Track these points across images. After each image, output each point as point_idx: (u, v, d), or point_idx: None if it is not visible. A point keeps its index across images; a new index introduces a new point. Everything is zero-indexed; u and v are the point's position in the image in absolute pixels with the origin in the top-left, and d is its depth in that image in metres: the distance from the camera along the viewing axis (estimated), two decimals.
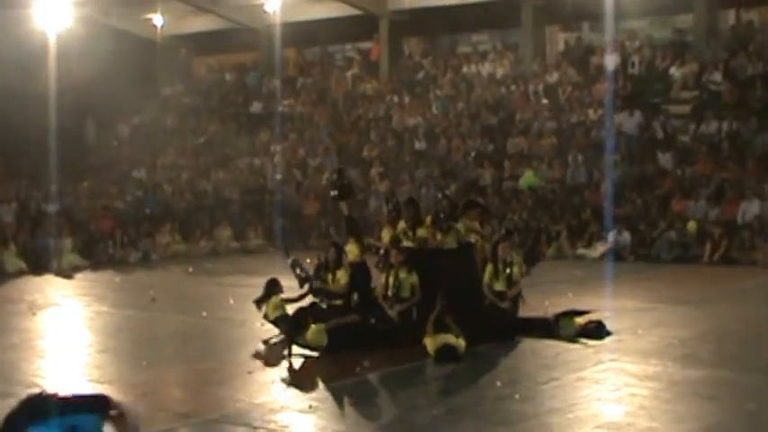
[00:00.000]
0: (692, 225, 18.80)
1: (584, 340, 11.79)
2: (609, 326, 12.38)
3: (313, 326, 11.04)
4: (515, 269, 11.94)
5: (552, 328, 12.09)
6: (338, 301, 11.59)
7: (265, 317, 11.85)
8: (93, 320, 14.11)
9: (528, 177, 21.77)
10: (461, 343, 10.80)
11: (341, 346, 11.05)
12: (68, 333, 12.97)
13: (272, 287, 11.87)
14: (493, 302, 12.03)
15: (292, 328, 11.23)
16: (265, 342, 11.65)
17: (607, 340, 11.90)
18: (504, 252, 11.94)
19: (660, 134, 21.55)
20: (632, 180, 20.58)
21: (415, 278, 11.61)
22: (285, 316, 11.65)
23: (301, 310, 11.58)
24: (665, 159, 20.55)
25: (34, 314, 14.53)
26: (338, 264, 11.72)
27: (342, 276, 11.63)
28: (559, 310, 12.42)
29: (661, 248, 18.85)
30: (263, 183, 25.68)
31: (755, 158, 19.81)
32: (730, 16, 25.18)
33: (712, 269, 17.83)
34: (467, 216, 12.41)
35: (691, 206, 19.43)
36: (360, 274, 11.74)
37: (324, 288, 11.79)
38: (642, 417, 8.94)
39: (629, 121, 21.67)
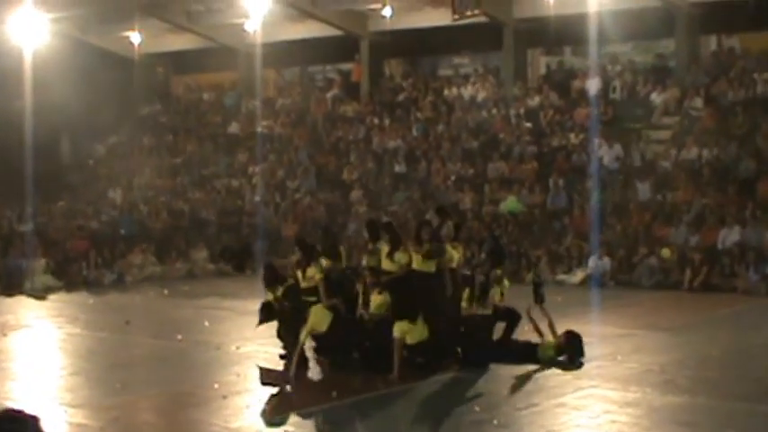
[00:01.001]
0: (665, 252, 18.93)
1: (562, 366, 11.86)
2: (588, 352, 12.47)
3: (313, 307, 11.27)
4: (497, 291, 11.90)
5: (535, 351, 12.20)
6: (312, 298, 11.62)
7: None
8: (66, 342, 14.05)
9: (510, 203, 21.89)
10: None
11: (333, 341, 11.42)
12: (40, 355, 12.92)
13: (268, 311, 11.86)
14: (475, 324, 12.08)
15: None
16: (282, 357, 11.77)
17: (586, 366, 11.98)
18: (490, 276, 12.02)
19: (638, 162, 21.74)
20: (612, 206, 20.74)
21: (386, 298, 11.69)
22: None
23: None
24: (643, 191, 20.68)
25: (5, 335, 14.46)
26: (308, 261, 11.76)
27: (314, 273, 11.66)
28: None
29: (641, 274, 18.99)
30: (240, 204, 25.67)
31: (736, 185, 20.01)
32: (712, 42, 25.48)
33: (692, 296, 17.97)
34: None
35: (671, 232, 19.59)
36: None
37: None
38: None
39: (609, 154, 21.79)
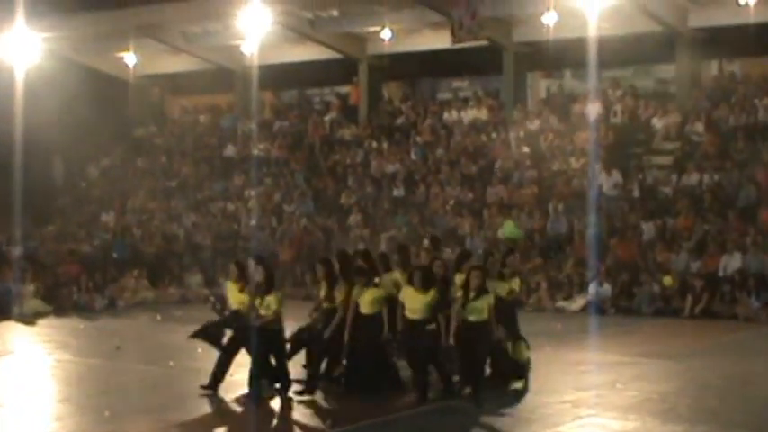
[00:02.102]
0: (667, 279, 18.99)
1: (561, 394, 11.85)
2: (588, 380, 12.49)
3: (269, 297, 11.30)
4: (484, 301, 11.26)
5: (523, 370, 12.15)
6: (277, 326, 11.51)
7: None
8: (55, 369, 14.05)
9: (508, 227, 21.93)
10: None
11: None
12: (28, 382, 12.90)
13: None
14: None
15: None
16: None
17: (586, 394, 12.00)
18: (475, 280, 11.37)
19: (637, 193, 21.78)
20: (613, 232, 20.78)
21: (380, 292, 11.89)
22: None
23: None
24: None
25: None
26: (269, 288, 11.47)
27: (272, 302, 11.40)
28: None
29: (642, 301, 19.01)
30: (236, 228, 25.70)
31: (737, 211, 20.09)
32: (713, 67, 25.66)
33: (693, 323, 18.00)
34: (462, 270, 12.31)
35: (672, 258, 19.63)
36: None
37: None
38: None
39: (608, 181, 21.82)
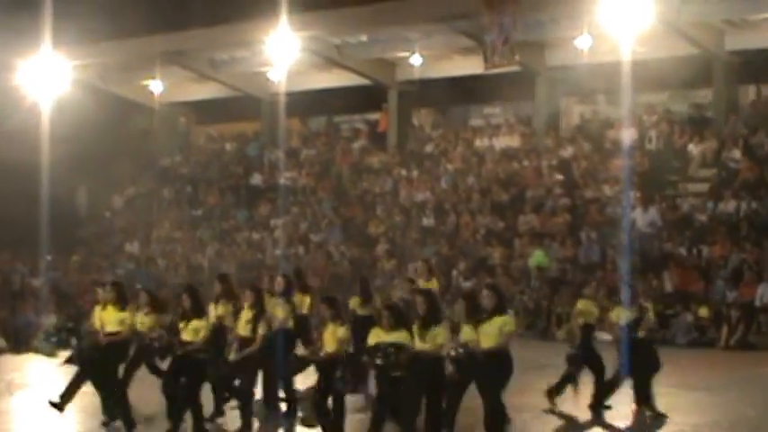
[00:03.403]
0: (703, 310, 19.01)
1: (595, 427, 11.95)
2: (620, 410, 12.59)
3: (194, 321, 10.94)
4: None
5: None
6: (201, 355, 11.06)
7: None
8: (74, 401, 14.29)
9: (537, 257, 22.08)
10: None
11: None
12: (46, 415, 13.13)
13: None
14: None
15: None
16: None
17: (619, 425, 12.11)
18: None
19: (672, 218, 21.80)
20: (647, 262, 20.81)
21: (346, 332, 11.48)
22: None
23: None
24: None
25: (11, 394, 14.69)
26: (198, 312, 11.07)
27: (200, 328, 10.93)
28: None
29: (676, 331, 19.03)
30: (261, 258, 26.01)
31: None
32: (750, 92, 25.69)
33: (729, 354, 18.01)
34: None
35: (708, 288, 19.66)
36: None
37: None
38: None
39: (643, 218, 21.81)
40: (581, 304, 13.07)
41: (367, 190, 27.47)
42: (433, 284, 13.44)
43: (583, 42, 23.54)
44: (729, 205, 21.44)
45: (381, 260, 23.97)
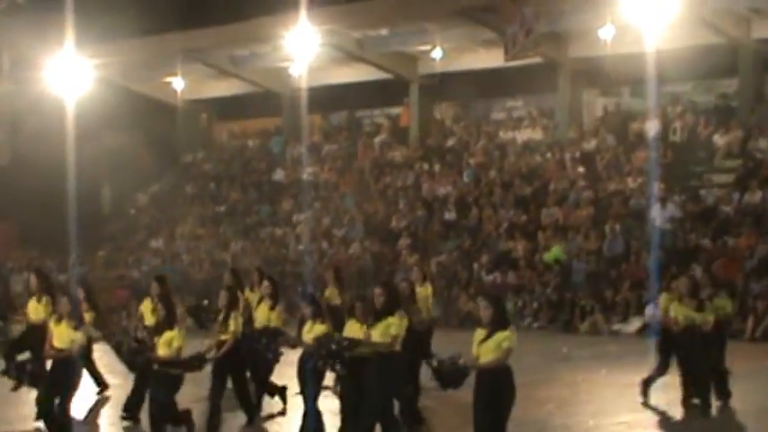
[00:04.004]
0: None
1: (617, 415, 12.05)
2: (644, 400, 12.67)
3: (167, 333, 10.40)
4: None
5: None
6: (175, 371, 10.55)
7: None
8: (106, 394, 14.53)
9: (554, 252, 22.14)
10: None
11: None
12: (75, 406, 13.35)
13: None
14: None
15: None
16: None
17: (642, 416, 12.21)
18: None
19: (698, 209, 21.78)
20: (671, 254, 20.80)
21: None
22: None
23: None
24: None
25: None
26: (169, 323, 10.49)
27: (173, 339, 10.35)
28: None
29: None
30: (284, 253, 26.20)
31: None
32: None
33: (754, 345, 18.02)
34: None
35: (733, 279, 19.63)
36: None
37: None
38: None
39: (663, 215, 21.67)
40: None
41: (389, 184, 27.58)
42: (427, 290, 13.27)
43: (606, 33, 23.50)
44: (756, 196, 21.39)
45: (404, 254, 24.09)
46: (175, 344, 10.21)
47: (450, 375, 9.00)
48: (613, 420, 12.01)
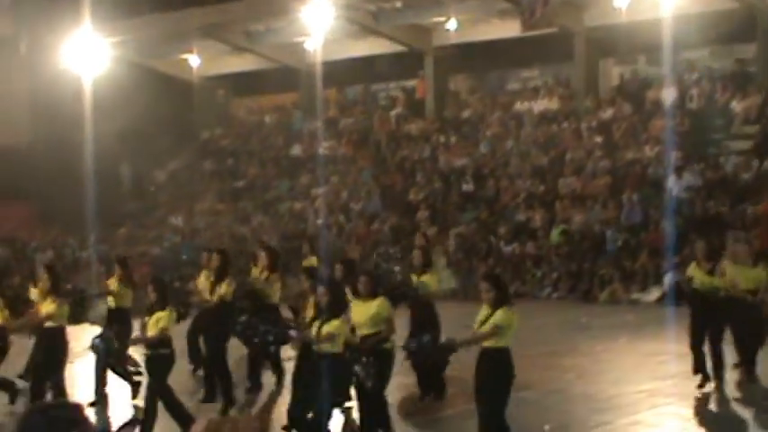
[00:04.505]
0: None
1: (637, 384, 12.00)
2: (664, 370, 12.61)
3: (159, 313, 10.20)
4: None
5: None
6: (164, 350, 10.30)
7: None
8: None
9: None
10: None
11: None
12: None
13: None
14: None
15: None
16: None
17: (662, 384, 12.18)
18: None
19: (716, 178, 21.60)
20: (690, 222, 20.67)
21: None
22: None
23: None
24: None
25: (71, 363, 15.02)
26: (162, 305, 10.26)
27: (161, 319, 10.14)
28: None
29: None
30: (303, 228, 26.21)
31: None
32: None
33: None
34: None
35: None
36: None
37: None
38: None
39: (679, 185, 21.49)
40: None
41: (406, 157, 27.51)
42: (430, 278, 11.95)
43: (621, 1, 23.30)
44: None
45: (422, 226, 24.04)
46: (161, 324, 10.05)
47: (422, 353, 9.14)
48: (634, 389, 12.00)
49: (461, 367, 9.24)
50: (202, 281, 13.03)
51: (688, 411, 11.08)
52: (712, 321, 11.93)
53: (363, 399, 9.68)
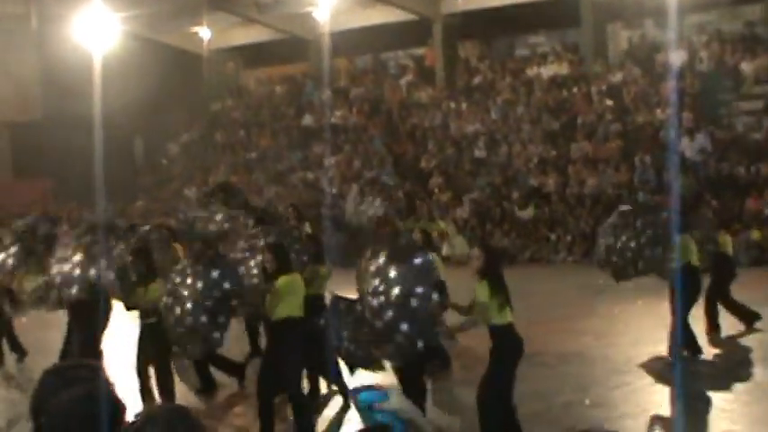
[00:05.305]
0: (756, 234, 18.71)
1: (659, 346, 11.93)
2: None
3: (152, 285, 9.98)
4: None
5: None
6: (152, 319, 10.04)
7: None
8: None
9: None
10: None
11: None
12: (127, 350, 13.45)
13: None
14: None
15: None
16: None
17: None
18: None
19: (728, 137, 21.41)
20: (704, 182, 20.55)
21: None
22: None
23: None
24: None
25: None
26: (151, 275, 10.11)
27: (155, 289, 9.87)
28: None
29: (737, 251, 18.77)
30: (318, 197, 26.13)
31: None
32: None
33: None
34: None
35: (765, 206, 19.39)
36: None
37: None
38: (721, 419, 9.17)
39: (692, 147, 21.35)
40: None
41: (417, 125, 27.39)
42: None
43: None
44: None
45: (436, 193, 23.97)
46: (151, 295, 9.89)
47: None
48: (653, 350, 11.90)
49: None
50: None
51: (707, 370, 11.03)
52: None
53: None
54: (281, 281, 8.72)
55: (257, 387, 8.85)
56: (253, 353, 12.27)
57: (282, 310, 8.69)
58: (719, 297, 12.62)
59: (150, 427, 2.97)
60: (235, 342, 11.65)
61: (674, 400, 9.66)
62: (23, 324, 13.68)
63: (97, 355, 10.69)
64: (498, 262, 8.43)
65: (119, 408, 3.33)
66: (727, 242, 12.87)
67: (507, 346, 7.95)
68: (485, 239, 9.51)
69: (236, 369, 11.33)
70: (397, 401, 7.35)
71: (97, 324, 11.08)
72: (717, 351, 11.76)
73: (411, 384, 8.91)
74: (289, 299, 8.71)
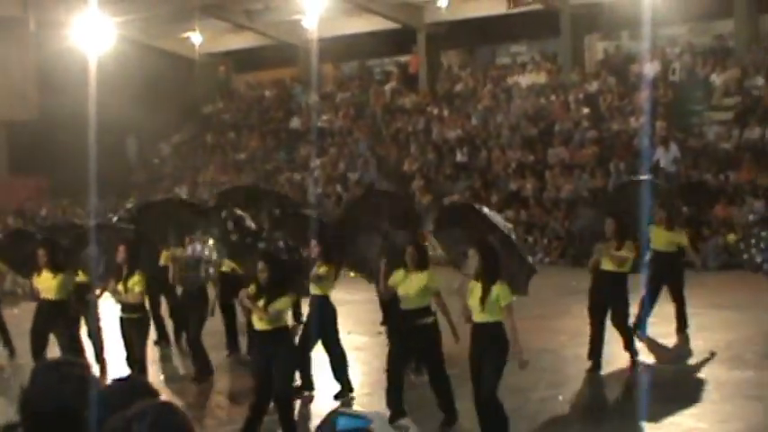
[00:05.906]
0: (731, 237, 18.76)
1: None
2: (654, 330, 12.55)
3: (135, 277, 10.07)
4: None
5: None
6: (135, 315, 10.31)
7: None
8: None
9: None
10: None
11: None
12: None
13: None
14: None
15: None
16: None
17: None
18: None
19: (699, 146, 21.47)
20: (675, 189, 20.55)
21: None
22: None
23: None
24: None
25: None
26: (132, 270, 10.13)
27: (135, 284, 10.09)
28: None
29: (707, 256, 18.86)
30: (303, 197, 26.09)
31: None
32: None
33: (759, 275, 17.82)
34: None
35: (734, 212, 19.45)
36: None
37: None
38: (689, 417, 9.18)
39: (666, 157, 21.23)
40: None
41: (400, 129, 27.39)
42: (421, 279, 11.33)
43: None
44: (755, 132, 21.08)
45: (417, 195, 23.94)
46: (137, 288, 10.06)
47: None
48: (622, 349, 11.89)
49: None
50: None
51: (674, 368, 11.05)
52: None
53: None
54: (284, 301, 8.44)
55: (257, 388, 8.70)
56: (231, 353, 12.28)
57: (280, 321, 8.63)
58: (680, 294, 12.61)
59: (138, 423, 2.83)
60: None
61: (641, 398, 9.67)
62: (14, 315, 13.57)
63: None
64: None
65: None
66: (683, 239, 12.81)
67: (505, 341, 8.16)
68: (483, 240, 9.56)
69: (206, 366, 11.23)
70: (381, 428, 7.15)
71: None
72: (685, 350, 11.77)
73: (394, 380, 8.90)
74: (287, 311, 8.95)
